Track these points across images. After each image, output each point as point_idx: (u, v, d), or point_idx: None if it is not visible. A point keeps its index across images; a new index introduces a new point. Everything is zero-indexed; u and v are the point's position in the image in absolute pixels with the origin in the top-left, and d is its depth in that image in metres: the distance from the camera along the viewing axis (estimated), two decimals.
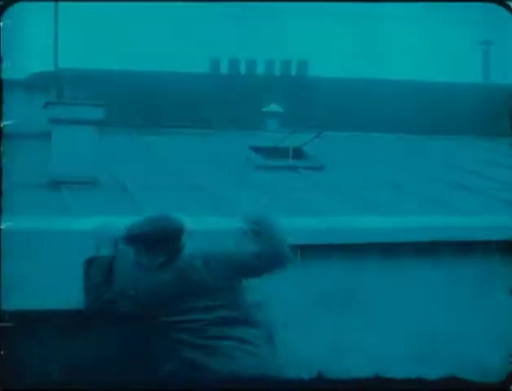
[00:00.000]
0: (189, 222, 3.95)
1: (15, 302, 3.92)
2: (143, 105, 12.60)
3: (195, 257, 3.97)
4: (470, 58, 16.11)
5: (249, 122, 12.42)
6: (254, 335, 3.99)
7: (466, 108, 13.86)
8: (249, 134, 12.01)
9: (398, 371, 4.71)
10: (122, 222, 4.09)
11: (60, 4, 11.75)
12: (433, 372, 4.78)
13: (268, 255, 3.99)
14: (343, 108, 13.43)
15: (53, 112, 8.57)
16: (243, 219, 4.12)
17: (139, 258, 3.96)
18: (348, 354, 4.70)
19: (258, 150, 10.40)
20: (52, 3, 11.78)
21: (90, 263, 3.97)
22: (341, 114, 13.28)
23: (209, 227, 4.61)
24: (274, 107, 12.24)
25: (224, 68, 15.38)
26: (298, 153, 10.54)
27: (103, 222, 4.15)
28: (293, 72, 15.45)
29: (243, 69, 15.35)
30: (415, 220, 5.55)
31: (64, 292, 4.02)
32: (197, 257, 3.97)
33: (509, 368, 4.61)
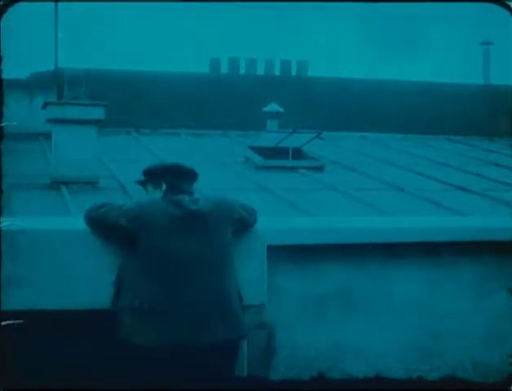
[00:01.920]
0: None
1: (15, 302, 3.92)
2: (143, 105, 12.61)
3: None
4: (470, 58, 16.12)
5: (249, 122, 12.42)
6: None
7: (467, 109, 13.87)
8: (249, 134, 12.01)
9: (398, 371, 4.71)
10: None
11: (60, 4, 11.75)
12: (433, 372, 4.78)
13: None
14: (343, 108, 13.44)
15: (53, 112, 8.57)
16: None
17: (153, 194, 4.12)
18: (348, 354, 4.70)
19: (257, 150, 10.41)
20: (52, 3, 11.78)
21: None
22: (341, 114, 13.28)
23: None
24: (274, 107, 12.24)
25: (224, 68, 15.40)
26: (298, 153, 10.54)
27: None
28: (293, 72, 15.47)
29: (243, 69, 15.36)
30: (415, 220, 5.54)
31: (64, 292, 4.02)
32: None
33: (509, 369, 4.61)
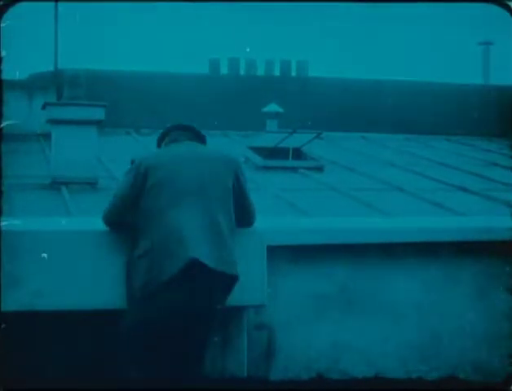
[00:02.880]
0: None
1: (16, 302, 3.92)
2: (143, 105, 12.61)
3: None
4: (470, 58, 16.13)
5: (249, 122, 12.42)
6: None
7: (466, 109, 13.87)
8: (249, 134, 12.01)
9: (397, 371, 4.71)
10: None
11: (60, 4, 11.76)
12: (433, 372, 4.79)
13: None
14: (343, 108, 13.44)
15: (53, 113, 8.57)
16: None
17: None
18: (348, 354, 4.70)
19: (257, 150, 10.41)
20: (52, 3, 11.79)
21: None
22: (341, 114, 13.29)
23: None
24: (274, 108, 12.24)
25: (224, 69, 15.40)
26: (298, 153, 10.55)
27: None
28: (293, 73, 15.47)
29: (243, 70, 15.36)
30: (415, 220, 5.55)
31: (64, 292, 4.02)
32: None
33: (509, 369, 4.61)
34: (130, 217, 3.97)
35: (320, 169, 9.96)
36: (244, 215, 4.15)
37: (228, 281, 3.91)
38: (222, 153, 4.16)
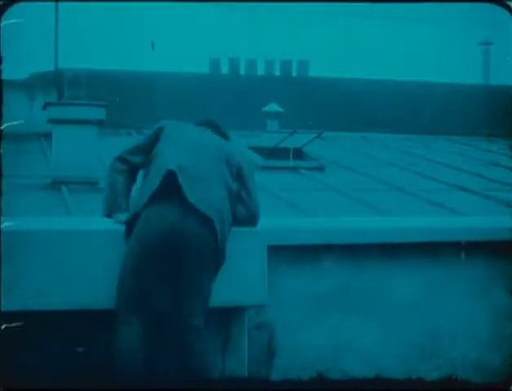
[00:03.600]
0: None
1: (15, 302, 3.92)
2: (143, 105, 12.61)
3: None
4: (470, 58, 16.13)
5: (249, 122, 12.42)
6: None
7: (466, 109, 13.87)
8: (249, 134, 12.00)
9: (398, 371, 4.71)
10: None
11: (61, 4, 11.76)
12: (433, 372, 4.78)
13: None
14: (343, 108, 13.43)
15: (53, 113, 8.57)
16: None
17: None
18: (348, 355, 4.70)
19: (258, 150, 10.40)
20: (52, 3, 11.79)
21: None
22: (341, 114, 13.28)
23: None
24: (274, 107, 12.24)
25: (224, 69, 15.40)
26: (299, 153, 10.55)
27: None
28: (294, 73, 15.46)
29: (243, 69, 15.36)
30: (415, 220, 5.54)
31: (63, 292, 4.02)
32: None
33: (509, 369, 4.61)
34: (135, 160, 4.37)
35: (320, 169, 9.96)
36: (246, 211, 4.23)
37: (204, 221, 3.91)
38: (236, 147, 4.42)
